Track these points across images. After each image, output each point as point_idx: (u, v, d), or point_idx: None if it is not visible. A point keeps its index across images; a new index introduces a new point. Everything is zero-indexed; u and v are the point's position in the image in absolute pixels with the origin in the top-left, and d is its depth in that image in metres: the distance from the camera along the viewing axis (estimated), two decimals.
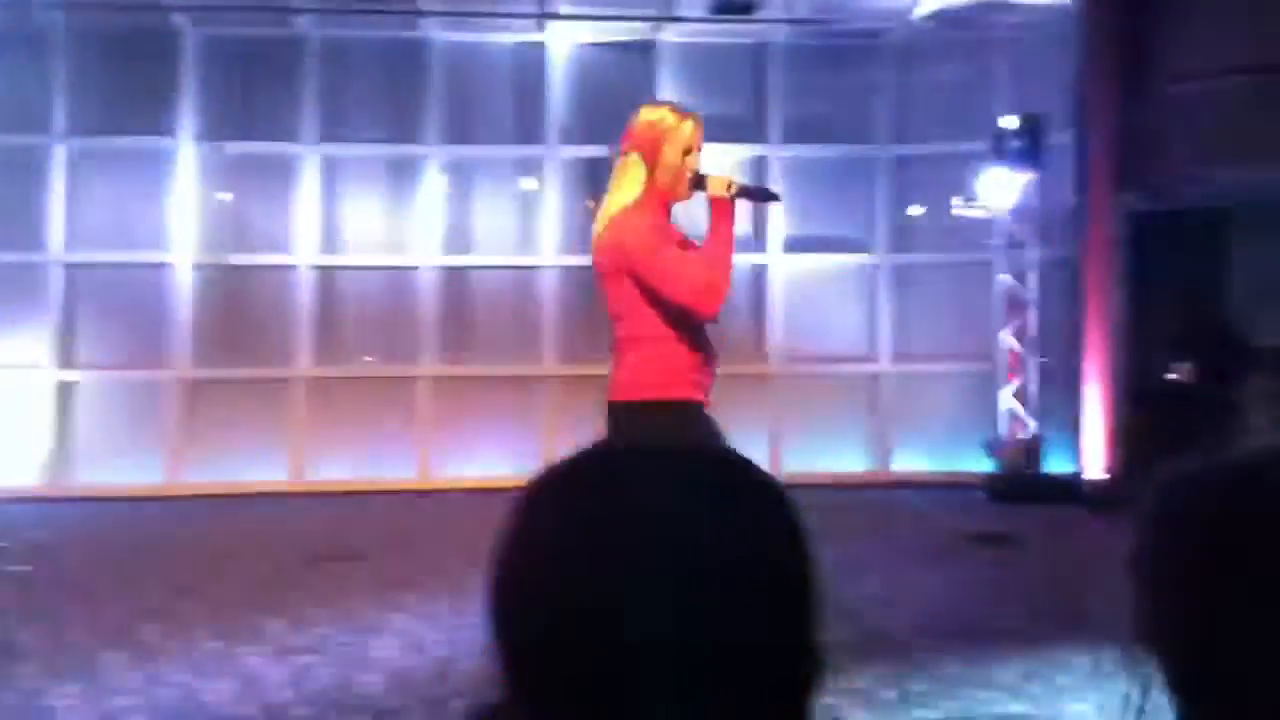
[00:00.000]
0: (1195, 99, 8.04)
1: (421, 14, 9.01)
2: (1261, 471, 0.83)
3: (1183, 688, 0.80)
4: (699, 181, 3.29)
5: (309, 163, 9.27)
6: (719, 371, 3.35)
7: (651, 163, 3.28)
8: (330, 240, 9.37)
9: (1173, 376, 8.00)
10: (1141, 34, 8.36)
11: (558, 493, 0.78)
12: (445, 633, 4.69)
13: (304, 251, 9.23)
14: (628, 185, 3.31)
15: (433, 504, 8.26)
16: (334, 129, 9.34)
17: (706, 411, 3.31)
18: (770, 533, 0.74)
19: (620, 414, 3.23)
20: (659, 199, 3.30)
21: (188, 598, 5.35)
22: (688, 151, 3.29)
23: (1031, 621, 4.95)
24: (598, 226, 3.35)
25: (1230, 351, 7.93)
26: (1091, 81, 8.54)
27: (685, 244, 3.35)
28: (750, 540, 0.73)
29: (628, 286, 3.22)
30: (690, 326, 3.25)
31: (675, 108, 3.41)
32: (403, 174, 9.45)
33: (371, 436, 9.09)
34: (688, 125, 3.31)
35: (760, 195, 3.45)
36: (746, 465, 0.78)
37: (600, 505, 0.74)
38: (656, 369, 3.21)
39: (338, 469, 8.99)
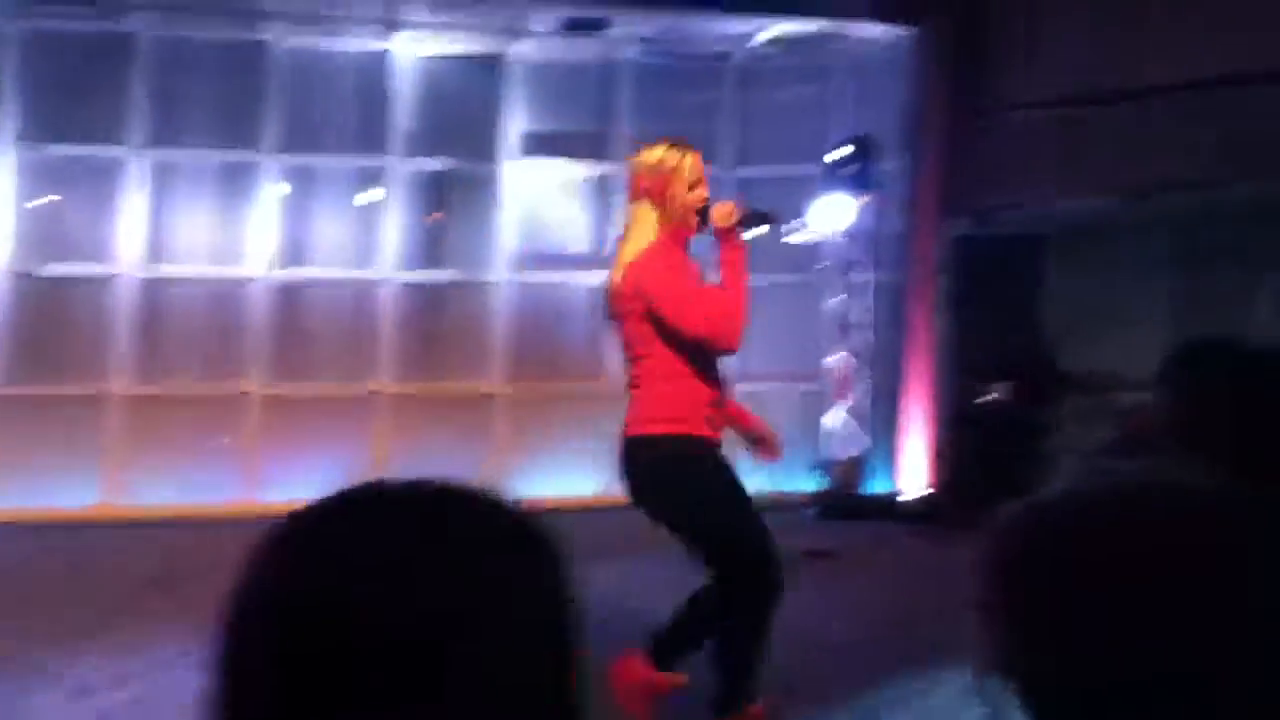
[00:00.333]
0: (1019, 129, 8.47)
1: (262, 16, 8.73)
2: (1110, 502, 0.87)
3: (1042, 709, 0.82)
4: (704, 214, 3.36)
5: (136, 167, 8.87)
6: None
7: (661, 204, 3.38)
8: (156, 250, 8.98)
9: (991, 398, 8.38)
10: (970, 66, 8.75)
11: (287, 542, 0.77)
12: None
13: (127, 261, 8.81)
14: (641, 231, 3.39)
15: (260, 529, 7.96)
16: (164, 133, 8.97)
17: (718, 449, 3.42)
18: (510, 578, 0.75)
19: (633, 448, 3.33)
20: (674, 238, 3.40)
21: None
22: (693, 186, 3.40)
23: (856, 636, 5.08)
24: (615, 274, 3.41)
25: (1044, 375, 8.36)
26: (923, 109, 8.90)
27: (703, 279, 3.46)
28: (486, 584, 0.73)
29: (647, 327, 3.32)
30: (707, 363, 3.37)
31: (672, 144, 3.49)
32: (237, 182, 9.13)
33: (195, 458, 8.73)
34: (688, 159, 3.43)
35: (756, 220, 3.51)
36: (492, 505, 0.78)
37: (329, 554, 0.75)
38: (672, 404, 3.32)
39: (157, 493, 8.56)
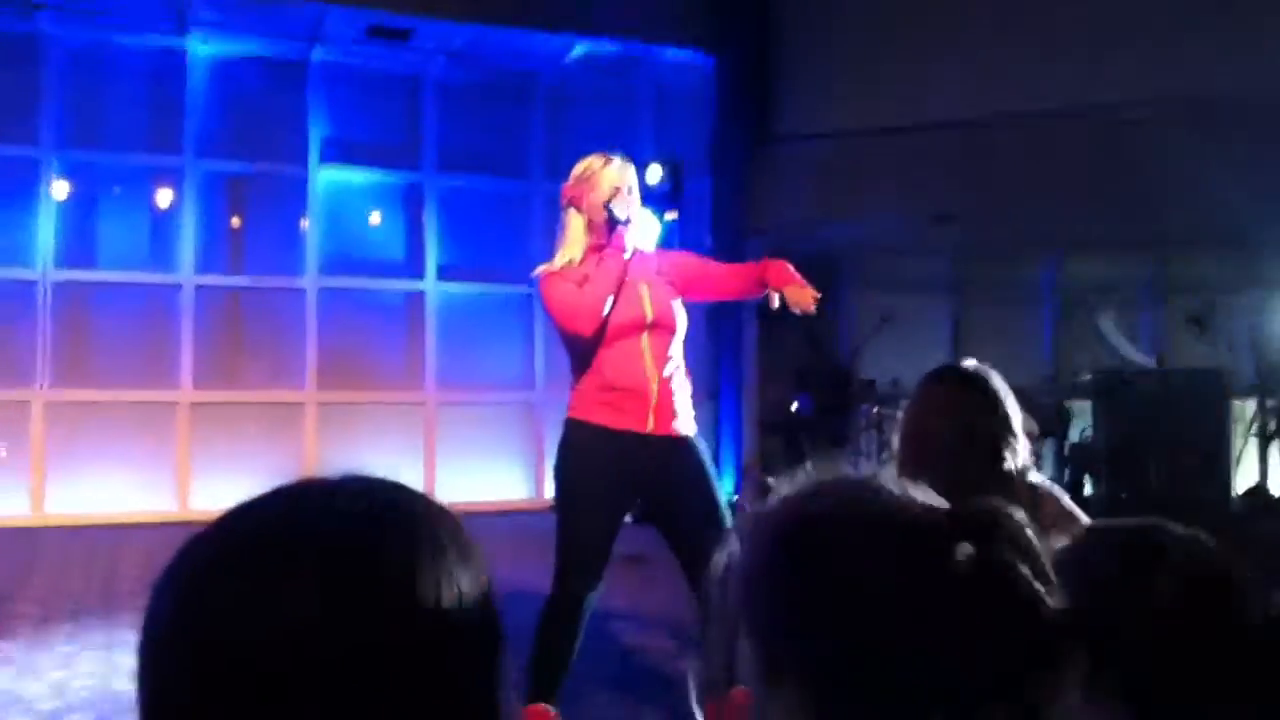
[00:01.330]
0: (810, 156, 8.90)
1: (36, 6, 8.19)
2: (816, 494, 0.94)
3: (766, 674, 0.90)
4: (610, 210, 3.46)
5: None
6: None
7: (580, 209, 3.52)
8: None
9: (795, 408, 8.78)
10: (765, 94, 9.15)
11: (210, 544, 0.75)
12: (50, 686, 4.26)
13: None
14: (569, 241, 3.53)
15: (47, 540, 7.49)
16: None
17: (630, 434, 3.42)
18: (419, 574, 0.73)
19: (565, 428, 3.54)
20: (595, 241, 3.50)
21: None
22: (615, 191, 3.45)
23: (669, 638, 5.21)
24: None
25: (840, 386, 8.82)
26: (724, 135, 9.23)
27: (609, 277, 3.43)
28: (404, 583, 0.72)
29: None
30: (587, 352, 3.45)
31: (600, 154, 3.58)
32: (14, 178, 8.54)
33: None
34: (610, 167, 3.51)
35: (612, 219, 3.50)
36: (395, 494, 0.78)
37: (249, 555, 0.73)
38: (576, 393, 3.52)
39: None
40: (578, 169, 3.60)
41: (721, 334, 9.25)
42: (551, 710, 3.44)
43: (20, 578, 6.35)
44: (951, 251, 10.21)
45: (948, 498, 0.91)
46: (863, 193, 8.71)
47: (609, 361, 3.45)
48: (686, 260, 3.80)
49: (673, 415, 3.52)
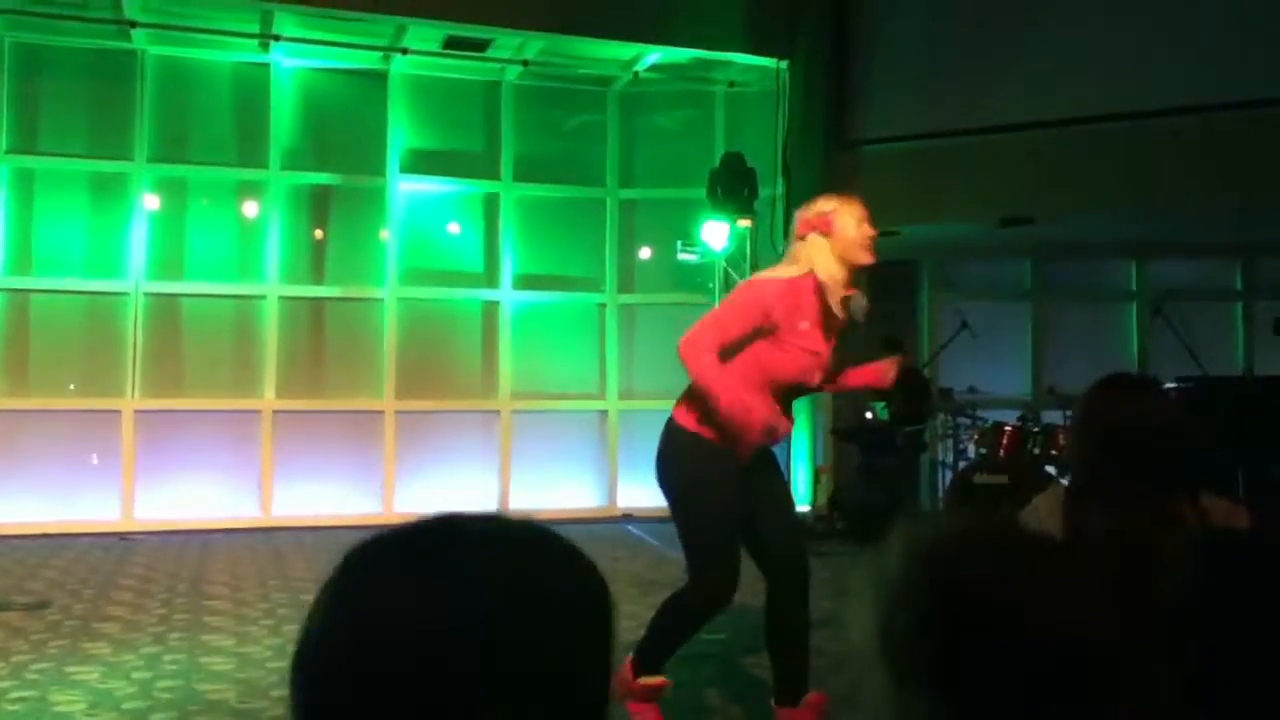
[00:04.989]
0: (886, 159, 8.81)
1: (132, 25, 8.49)
2: (993, 543, 0.90)
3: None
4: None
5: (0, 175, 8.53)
6: None
7: (831, 236, 3.46)
8: (24, 260, 8.63)
9: (869, 416, 8.66)
10: (840, 98, 9.08)
11: (374, 563, 0.79)
12: (136, 685, 4.38)
13: None
14: (815, 258, 3.47)
15: (134, 546, 7.72)
16: (29, 140, 8.64)
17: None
18: (565, 606, 0.79)
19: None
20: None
21: None
22: (864, 239, 3.46)
23: (739, 647, 5.17)
24: None
25: (918, 394, 8.68)
26: (798, 141, 9.17)
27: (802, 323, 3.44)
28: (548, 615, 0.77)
29: None
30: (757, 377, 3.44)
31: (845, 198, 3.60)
32: (108, 191, 8.84)
33: (67, 474, 8.39)
34: (859, 211, 3.51)
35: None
36: (546, 537, 0.82)
37: (410, 580, 0.76)
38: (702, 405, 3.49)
39: (26, 509, 8.22)
40: (824, 204, 3.54)
41: None
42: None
43: (110, 581, 6.55)
44: (1031, 254, 10.03)
45: (1155, 506, 0.90)
46: (939, 197, 8.61)
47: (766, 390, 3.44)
48: None
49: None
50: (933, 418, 8.84)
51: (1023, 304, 10.19)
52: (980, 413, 8.27)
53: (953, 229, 9.06)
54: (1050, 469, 7.32)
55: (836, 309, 3.43)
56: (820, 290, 3.41)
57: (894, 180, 8.75)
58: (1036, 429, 7.69)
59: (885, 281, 9.96)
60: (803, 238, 3.51)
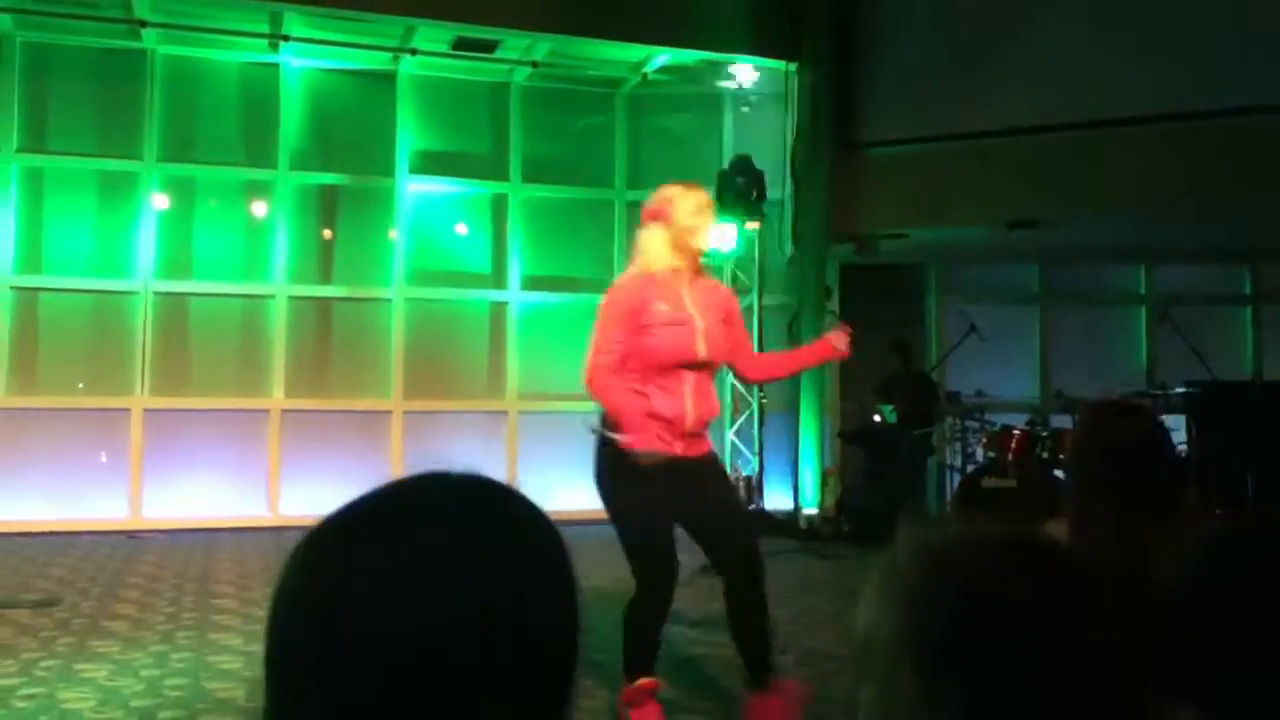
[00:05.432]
0: (892, 163, 8.81)
1: (141, 24, 8.51)
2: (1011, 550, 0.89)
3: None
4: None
5: (7, 173, 8.55)
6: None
7: (669, 226, 3.60)
8: (34, 259, 8.66)
9: (876, 419, 8.65)
10: (847, 102, 9.08)
11: (337, 532, 0.78)
12: (144, 682, 4.39)
13: (2, 271, 8.48)
14: (650, 252, 3.67)
15: (142, 545, 7.74)
16: (38, 138, 8.67)
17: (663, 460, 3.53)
18: (532, 566, 0.78)
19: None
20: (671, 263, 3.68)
21: None
22: (696, 222, 3.58)
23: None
24: None
25: (926, 397, 8.68)
26: (805, 143, 9.18)
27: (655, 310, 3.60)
28: (512, 576, 0.76)
29: None
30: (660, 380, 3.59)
31: (686, 184, 3.70)
32: (116, 190, 8.87)
33: (76, 472, 8.42)
34: (696, 197, 3.61)
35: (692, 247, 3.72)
36: (508, 498, 0.82)
37: (369, 546, 0.76)
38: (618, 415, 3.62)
39: (33, 507, 8.25)
40: (665, 192, 3.65)
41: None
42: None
43: (118, 579, 6.57)
44: (1038, 258, 10.02)
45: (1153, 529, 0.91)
46: (945, 200, 8.61)
47: (655, 391, 3.58)
48: (737, 324, 3.82)
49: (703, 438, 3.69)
50: (940, 421, 8.83)
51: (1030, 308, 10.18)
52: (988, 416, 8.27)
53: (959, 232, 9.06)
54: (1059, 474, 7.31)
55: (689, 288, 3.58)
56: (672, 273, 3.56)
57: (900, 183, 8.75)
58: (1045, 433, 7.68)
59: (892, 285, 10.01)
60: (644, 227, 3.67)
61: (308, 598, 0.76)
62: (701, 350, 3.58)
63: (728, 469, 9.39)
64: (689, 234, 3.57)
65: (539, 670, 0.76)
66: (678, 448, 3.58)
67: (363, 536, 0.77)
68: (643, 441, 3.49)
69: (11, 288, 8.54)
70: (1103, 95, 7.93)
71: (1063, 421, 7.90)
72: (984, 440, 7.95)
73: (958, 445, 8.49)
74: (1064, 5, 8.27)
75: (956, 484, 8.16)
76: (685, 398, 3.56)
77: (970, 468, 8.08)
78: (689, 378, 3.58)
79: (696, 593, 6.46)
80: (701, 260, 3.67)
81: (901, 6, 8.93)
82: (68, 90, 8.84)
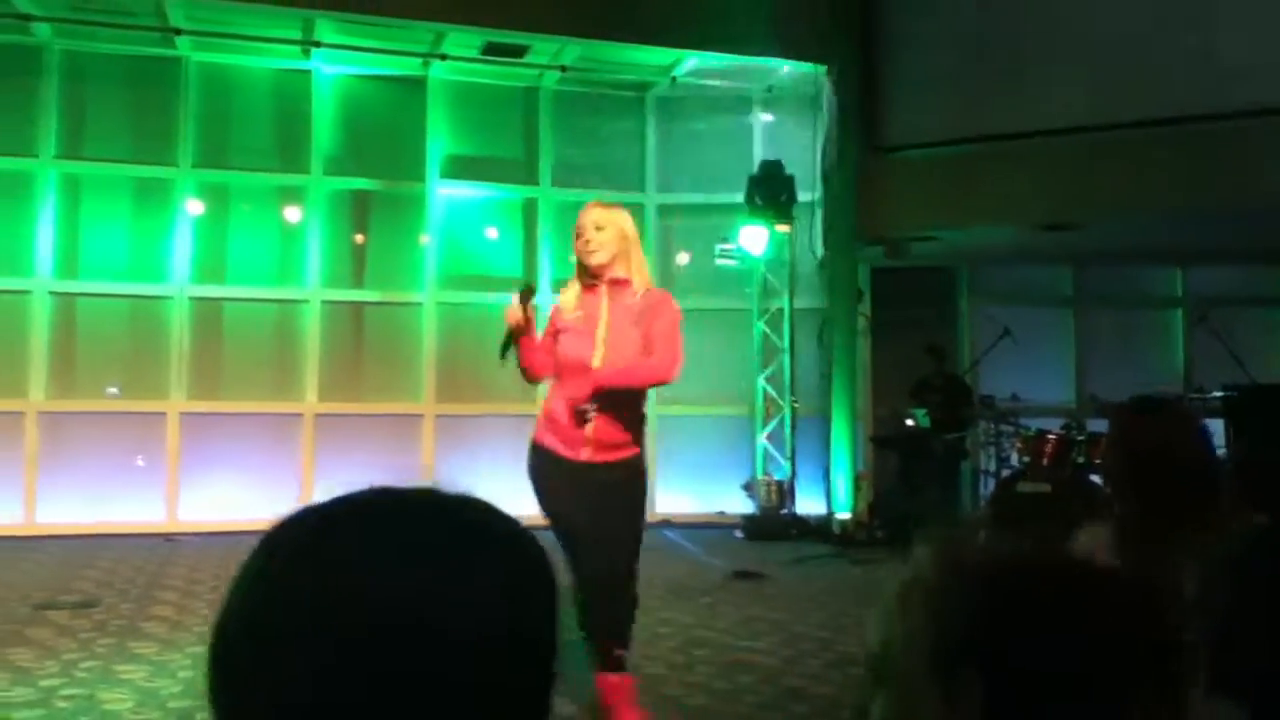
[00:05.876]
0: (922, 165, 8.76)
1: (176, 32, 8.61)
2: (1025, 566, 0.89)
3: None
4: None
5: (46, 179, 8.66)
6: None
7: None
8: (70, 264, 8.77)
9: (909, 423, 8.60)
10: (877, 104, 9.04)
11: (279, 546, 0.76)
12: (181, 683, 4.43)
13: (40, 276, 8.59)
14: (570, 283, 3.96)
15: (179, 547, 7.81)
16: (75, 145, 8.78)
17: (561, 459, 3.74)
18: (496, 583, 0.75)
19: None
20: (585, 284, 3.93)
21: None
22: (576, 239, 3.83)
23: (780, 655, 5.16)
24: None
25: (960, 401, 8.62)
26: (836, 146, 9.14)
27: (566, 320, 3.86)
28: (473, 592, 0.74)
29: None
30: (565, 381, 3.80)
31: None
32: (152, 196, 8.96)
33: (112, 475, 8.51)
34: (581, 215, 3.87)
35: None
36: (479, 511, 0.79)
37: (313, 561, 0.74)
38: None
39: (73, 510, 8.35)
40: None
41: (833, 350, 9.16)
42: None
43: (155, 581, 6.63)
44: (1071, 260, 9.93)
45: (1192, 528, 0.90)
46: (975, 202, 8.55)
47: (555, 395, 3.79)
48: (656, 329, 3.82)
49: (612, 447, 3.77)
50: (974, 425, 8.76)
51: (1064, 310, 10.09)
52: (1022, 420, 8.19)
53: (990, 234, 9.00)
54: (1095, 478, 7.23)
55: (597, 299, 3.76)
56: (587, 286, 3.79)
57: (930, 185, 8.70)
58: (1080, 437, 7.61)
59: (923, 287, 9.95)
60: None
61: (272, 588, 0.74)
62: (595, 359, 3.71)
63: (759, 474, 9.41)
64: (577, 251, 3.80)
65: (515, 680, 0.74)
66: (581, 453, 3.71)
67: (333, 534, 0.75)
68: (538, 438, 3.80)
69: (50, 293, 8.65)
70: (1137, 94, 7.85)
71: (1098, 425, 7.82)
72: (1018, 444, 7.88)
73: (991, 450, 8.41)
74: (1095, 3, 8.19)
75: (991, 489, 8.10)
76: (578, 398, 3.70)
77: (1005, 472, 8.01)
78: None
79: (731, 596, 6.48)
80: (606, 272, 3.78)
81: (930, 7, 8.89)
82: (104, 97, 8.94)
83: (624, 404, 3.77)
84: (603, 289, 3.76)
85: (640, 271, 3.83)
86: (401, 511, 0.77)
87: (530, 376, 3.88)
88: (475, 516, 0.78)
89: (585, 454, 3.73)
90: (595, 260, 3.75)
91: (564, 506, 3.72)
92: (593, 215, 3.83)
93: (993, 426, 8.37)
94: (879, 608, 0.89)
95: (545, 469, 3.77)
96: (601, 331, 3.73)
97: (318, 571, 0.73)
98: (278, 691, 0.70)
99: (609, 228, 3.78)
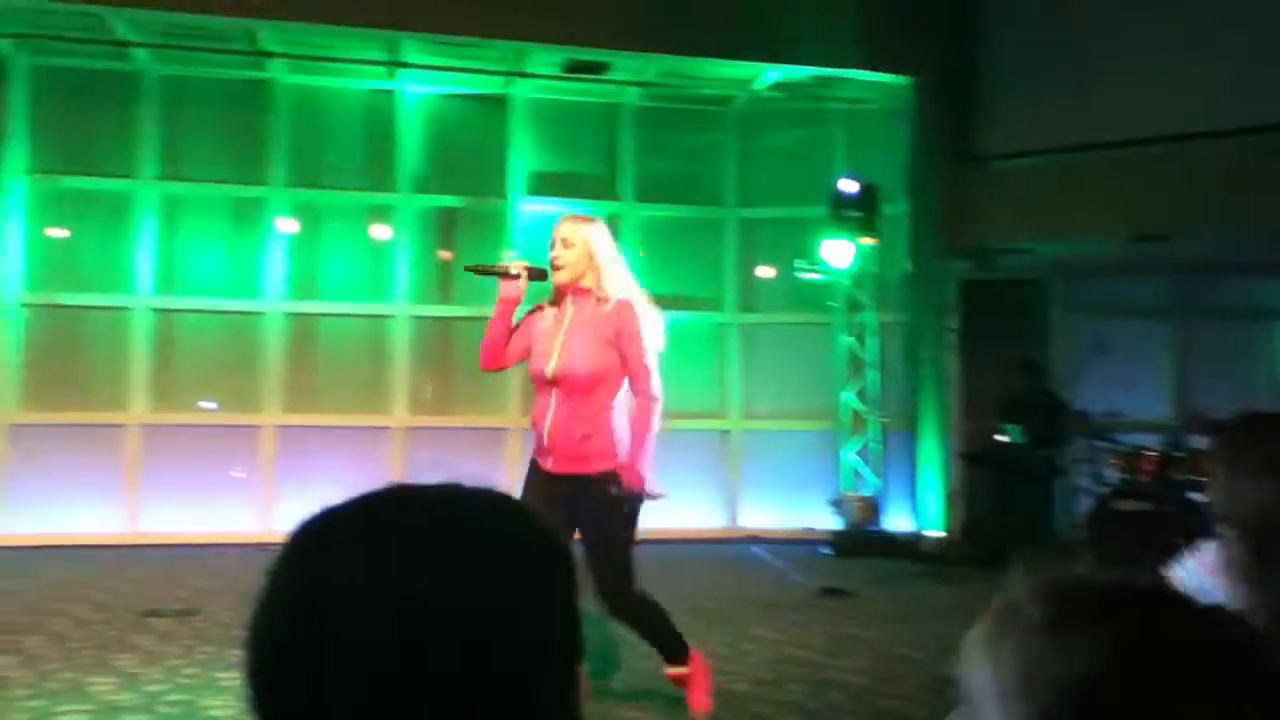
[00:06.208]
0: (1014, 174, 8.60)
1: (268, 55, 8.84)
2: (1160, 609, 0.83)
3: None
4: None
5: (147, 200, 8.95)
6: None
7: None
8: (169, 281, 9.03)
9: (1003, 439, 8.40)
10: (965, 115, 8.91)
11: (307, 546, 0.79)
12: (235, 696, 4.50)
13: (141, 293, 8.87)
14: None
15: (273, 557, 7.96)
16: (174, 166, 9.06)
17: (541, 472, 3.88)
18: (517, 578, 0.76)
19: None
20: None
21: (7, 653, 4.99)
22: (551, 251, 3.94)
23: (869, 675, 5.08)
24: None
25: (1055, 416, 8.40)
26: (922, 157, 9.03)
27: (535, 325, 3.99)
28: (512, 584, 0.75)
29: None
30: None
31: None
32: (246, 215, 9.20)
33: (210, 486, 8.74)
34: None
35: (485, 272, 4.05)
36: (511, 514, 0.81)
37: (333, 557, 0.76)
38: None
39: (173, 519, 8.59)
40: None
41: (922, 364, 9.02)
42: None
43: (252, 590, 6.75)
44: (1169, 272, 9.65)
45: None
46: (1070, 213, 8.37)
47: (535, 404, 3.90)
48: (629, 353, 3.89)
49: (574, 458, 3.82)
50: (1070, 441, 8.54)
51: (1161, 323, 9.81)
52: (1120, 436, 7.97)
53: (1085, 246, 8.79)
54: (1195, 495, 7.01)
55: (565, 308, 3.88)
56: (557, 296, 3.93)
57: (1022, 196, 8.54)
58: (1181, 453, 7.37)
59: (1014, 300, 9.75)
60: None
61: (285, 608, 0.76)
62: (548, 370, 3.81)
63: (846, 489, 9.29)
64: (550, 261, 3.90)
65: (543, 676, 0.75)
66: (549, 462, 3.82)
67: (355, 532, 0.77)
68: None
69: (150, 309, 8.91)
70: (1234, 103, 7.62)
71: (1200, 442, 7.58)
72: (1116, 461, 7.66)
73: (1088, 467, 8.19)
74: (1195, 7, 7.98)
75: (1088, 507, 7.88)
76: (547, 413, 3.80)
77: (1102, 490, 7.80)
78: (552, 394, 3.81)
79: (819, 613, 6.39)
80: (568, 287, 3.89)
81: (1021, 13, 8.74)
82: (200, 120, 9.20)
83: (583, 418, 3.82)
84: (568, 300, 3.88)
85: (612, 283, 3.90)
86: (421, 507, 0.80)
87: (486, 357, 3.95)
88: (496, 510, 0.80)
89: (550, 464, 3.84)
90: (557, 278, 3.89)
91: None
92: (562, 231, 3.93)
93: (1091, 443, 8.14)
94: (974, 636, 0.84)
95: (529, 476, 3.91)
96: (559, 340, 3.83)
97: (336, 569, 0.75)
98: (314, 690, 0.72)
99: (576, 245, 3.87)
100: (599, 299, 3.85)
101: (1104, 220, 8.33)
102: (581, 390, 3.80)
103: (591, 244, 3.88)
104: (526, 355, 3.91)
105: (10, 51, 8.63)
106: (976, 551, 8.15)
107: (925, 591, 7.29)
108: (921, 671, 5.05)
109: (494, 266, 3.93)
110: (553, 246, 3.90)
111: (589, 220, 4.01)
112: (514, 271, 3.88)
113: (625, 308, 3.85)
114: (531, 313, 3.96)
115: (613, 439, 3.84)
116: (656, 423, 3.85)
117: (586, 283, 3.86)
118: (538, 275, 3.90)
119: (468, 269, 4.10)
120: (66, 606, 6.10)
